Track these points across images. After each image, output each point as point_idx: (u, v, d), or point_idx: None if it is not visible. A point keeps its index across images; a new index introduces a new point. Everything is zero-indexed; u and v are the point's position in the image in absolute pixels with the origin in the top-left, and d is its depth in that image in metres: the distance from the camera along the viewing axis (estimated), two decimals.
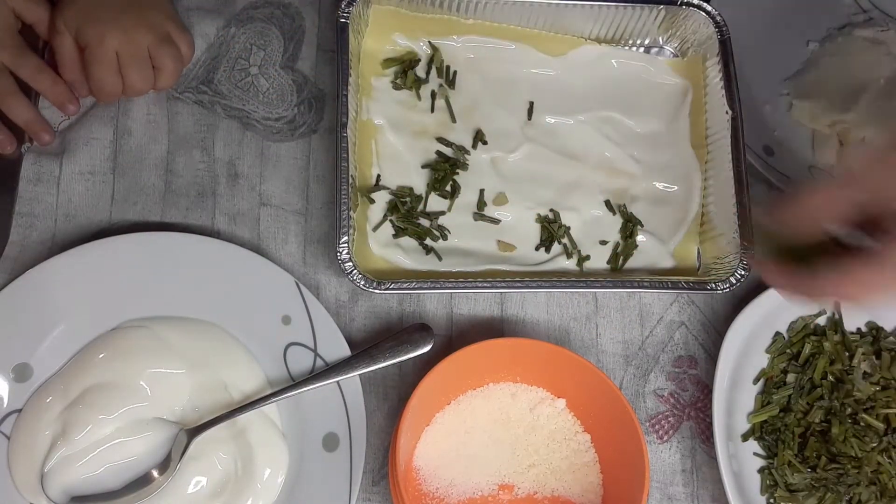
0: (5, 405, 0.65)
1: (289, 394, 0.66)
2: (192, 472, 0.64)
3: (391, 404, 0.71)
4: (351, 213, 0.69)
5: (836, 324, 0.75)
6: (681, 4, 0.78)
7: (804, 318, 0.75)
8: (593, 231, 0.76)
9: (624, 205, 0.77)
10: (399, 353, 0.68)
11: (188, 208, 0.73)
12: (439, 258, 0.73)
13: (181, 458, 0.64)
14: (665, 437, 0.73)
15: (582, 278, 0.73)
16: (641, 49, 0.82)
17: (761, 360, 0.74)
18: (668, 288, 0.73)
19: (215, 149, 0.75)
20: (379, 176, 0.74)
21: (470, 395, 0.70)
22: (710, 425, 0.71)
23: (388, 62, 0.77)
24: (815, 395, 0.72)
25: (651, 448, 0.72)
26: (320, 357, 0.68)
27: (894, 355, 0.74)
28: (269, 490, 0.65)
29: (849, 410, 0.71)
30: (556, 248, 0.75)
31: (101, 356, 0.66)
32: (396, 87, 0.77)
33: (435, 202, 0.74)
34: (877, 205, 0.52)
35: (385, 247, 0.72)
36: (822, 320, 0.75)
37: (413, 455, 0.68)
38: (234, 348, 0.68)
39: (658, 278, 0.73)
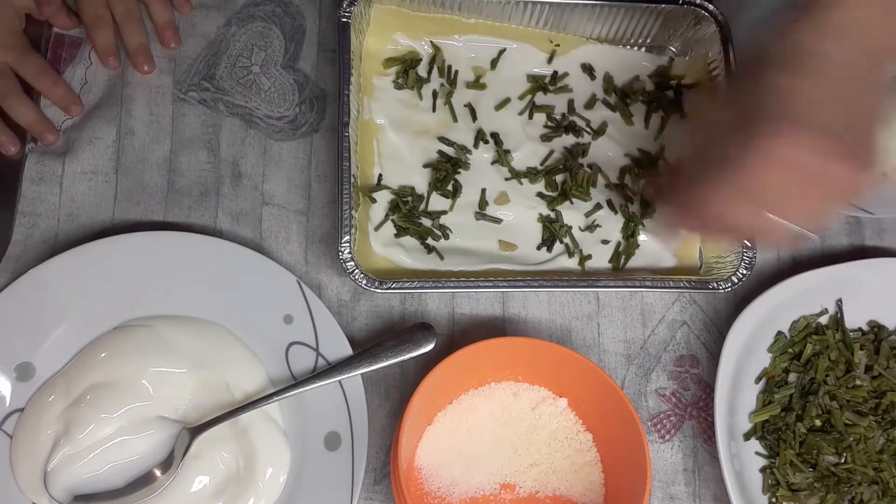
0: (8, 404, 0.65)
1: (291, 393, 0.66)
2: (195, 471, 0.64)
3: (393, 403, 0.71)
4: (352, 212, 0.69)
5: (837, 322, 0.75)
6: (682, 4, 0.78)
7: (806, 318, 0.75)
8: (595, 230, 0.76)
9: (626, 204, 0.77)
10: (401, 352, 0.68)
11: (191, 208, 0.73)
12: (441, 257, 0.73)
13: (183, 456, 0.64)
14: (667, 437, 0.73)
15: (584, 277, 0.73)
16: (643, 49, 0.82)
17: (763, 360, 0.74)
18: (669, 287, 0.72)
19: (220, 149, 0.75)
20: (380, 175, 0.74)
21: (471, 394, 0.70)
22: (711, 424, 0.71)
23: (389, 62, 0.77)
24: (816, 394, 0.72)
25: (653, 447, 0.72)
26: (322, 356, 0.68)
27: (894, 350, 0.74)
28: (271, 489, 0.65)
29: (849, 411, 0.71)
30: (557, 247, 0.75)
31: (103, 355, 0.66)
32: (398, 86, 0.77)
33: (436, 201, 0.75)
34: None
35: (387, 246, 0.72)
36: (824, 319, 0.75)
37: (415, 454, 0.68)
38: (236, 347, 0.68)
39: (660, 277, 0.73)
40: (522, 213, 0.75)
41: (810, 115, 0.54)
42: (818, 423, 0.71)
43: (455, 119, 0.77)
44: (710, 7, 0.78)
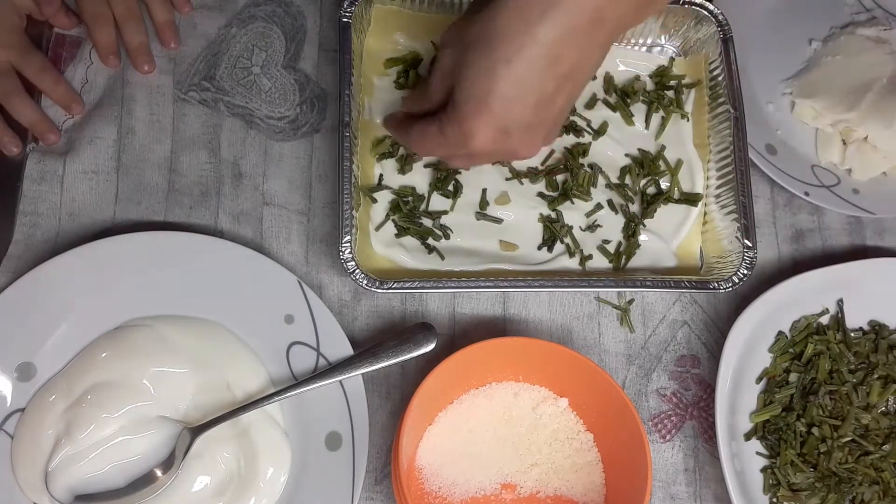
0: (9, 404, 0.65)
1: (291, 393, 0.66)
2: (196, 471, 0.64)
3: (394, 403, 0.71)
4: (353, 212, 0.69)
5: (838, 322, 0.75)
6: (683, 3, 0.78)
7: (807, 318, 0.75)
8: (596, 230, 0.76)
9: (626, 204, 0.77)
10: (402, 352, 0.68)
11: (191, 207, 0.73)
12: (442, 257, 0.73)
13: (184, 456, 0.64)
14: (668, 437, 0.73)
15: (584, 277, 0.73)
16: (644, 48, 0.82)
17: (764, 360, 0.74)
18: (670, 287, 0.72)
19: (221, 149, 0.75)
20: (381, 175, 0.74)
21: (472, 394, 0.70)
22: (712, 424, 0.71)
23: (390, 62, 0.77)
24: (817, 394, 0.72)
25: (654, 447, 0.72)
26: (323, 356, 0.68)
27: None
28: (271, 489, 0.65)
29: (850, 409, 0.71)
30: (558, 247, 0.75)
31: (104, 355, 0.66)
32: (399, 86, 0.77)
33: (437, 201, 0.75)
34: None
35: (387, 246, 0.72)
36: (824, 319, 0.75)
37: (416, 454, 0.68)
38: (236, 347, 0.68)
39: (660, 277, 0.73)
40: (523, 213, 0.75)
41: (507, 113, 0.56)
42: (818, 423, 0.71)
43: None
44: (710, 7, 0.78)
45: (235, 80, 0.77)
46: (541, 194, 0.76)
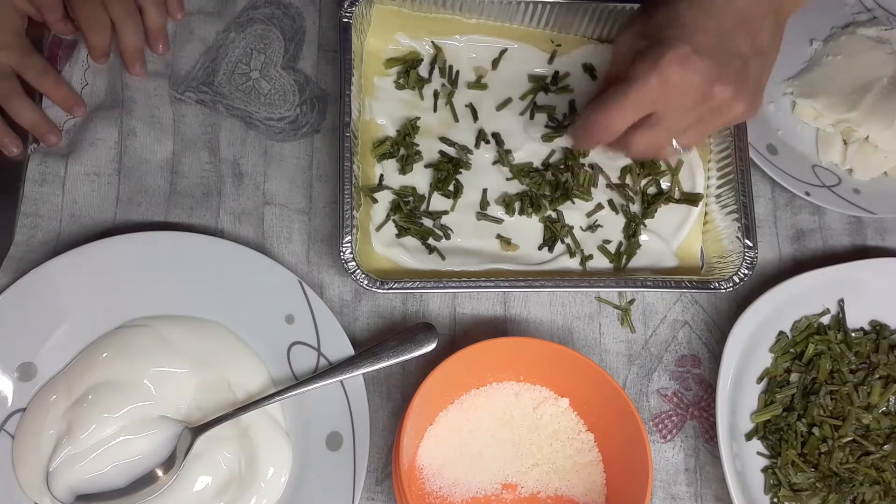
0: (10, 404, 0.65)
1: (292, 393, 0.66)
2: (197, 471, 0.65)
3: (394, 403, 0.71)
4: (354, 212, 0.69)
5: (839, 322, 0.75)
6: None
7: (808, 318, 0.75)
8: (596, 230, 0.76)
9: (627, 204, 0.77)
10: (402, 352, 0.68)
11: (192, 208, 0.73)
12: (442, 257, 0.73)
13: (185, 456, 0.64)
14: (668, 437, 0.73)
15: (585, 278, 0.73)
16: None
17: (765, 360, 0.74)
18: (671, 287, 0.73)
19: (221, 148, 0.75)
20: (382, 175, 0.74)
21: (473, 394, 0.70)
22: (713, 424, 0.71)
23: (390, 62, 0.77)
24: (818, 394, 0.72)
25: (654, 447, 0.72)
26: (324, 356, 0.68)
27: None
28: (272, 489, 0.65)
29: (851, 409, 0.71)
30: (559, 247, 0.75)
31: (104, 355, 0.66)
32: (399, 86, 0.77)
33: (438, 201, 0.75)
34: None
35: (388, 246, 0.72)
36: (825, 319, 0.75)
37: (416, 454, 0.68)
38: (237, 347, 0.68)
39: (661, 277, 0.73)
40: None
41: (709, 46, 0.59)
42: (819, 423, 0.71)
43: (456, 119, 0.77)
44: None
45: (234, 86, 0.77)
46: (542, 194, 0.76)
